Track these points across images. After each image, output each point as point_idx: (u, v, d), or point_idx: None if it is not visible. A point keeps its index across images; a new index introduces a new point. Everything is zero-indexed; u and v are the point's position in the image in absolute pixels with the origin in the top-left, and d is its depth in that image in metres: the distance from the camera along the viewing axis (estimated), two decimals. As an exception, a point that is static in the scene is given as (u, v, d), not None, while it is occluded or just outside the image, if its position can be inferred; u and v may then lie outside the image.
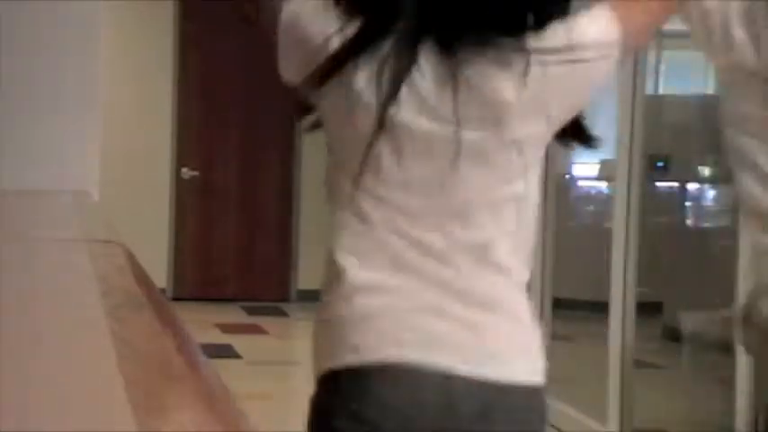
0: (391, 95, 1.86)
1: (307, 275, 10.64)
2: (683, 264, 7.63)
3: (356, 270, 1.92)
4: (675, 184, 8.25)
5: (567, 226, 8.58)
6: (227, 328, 9.10)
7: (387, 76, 1.87)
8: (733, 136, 2.49)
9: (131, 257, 2.51)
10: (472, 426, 1.87)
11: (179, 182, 10.40)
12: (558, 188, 6.75)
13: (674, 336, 6.98)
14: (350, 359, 1.88)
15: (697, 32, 2.46)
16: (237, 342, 8.52)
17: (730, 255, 5.05)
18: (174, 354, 1.46)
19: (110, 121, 8.14)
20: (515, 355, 1.92)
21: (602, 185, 9.33)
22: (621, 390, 5.54)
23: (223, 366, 7.28)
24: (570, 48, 1.90)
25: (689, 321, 6.84)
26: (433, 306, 1.88)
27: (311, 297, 10.74)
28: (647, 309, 6.46)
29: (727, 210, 7.16)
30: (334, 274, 1.95)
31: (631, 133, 5.53)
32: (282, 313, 9.99)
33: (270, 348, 8.66)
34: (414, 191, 1.90)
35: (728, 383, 5.00)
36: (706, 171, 8.26)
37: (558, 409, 6.15)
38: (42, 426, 1.05)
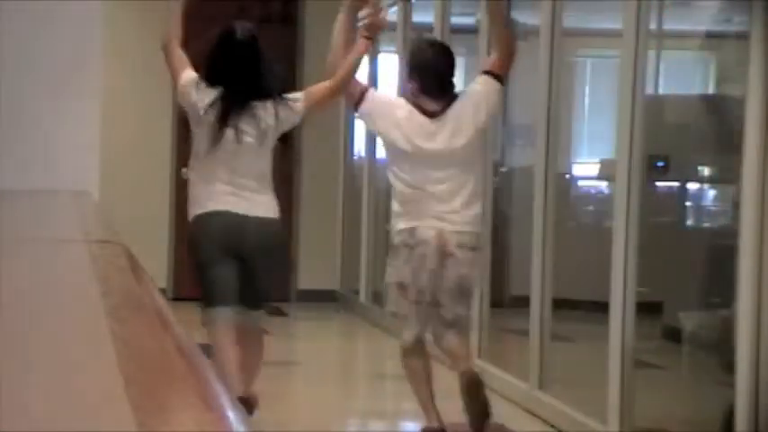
0: (223, 126, 5.30)
1: (307, 275, 10.64)
2: (683, 264, 7.63)
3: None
4: (675, 184, 8.25)
5: (567, 226, 8.57)
6: (227, 328, 9.09)
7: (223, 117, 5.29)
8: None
9: (131, 257, 2.51)
10: (244, 228, 5.28)
11: (179, 182, 10.39)
12: (558, 188, 6.75)
13: (674, 336, 6.98)
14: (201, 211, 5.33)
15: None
16: (237, 342, 8.51)
17: (730, 255, 5.05)
18: (174, 354, 1.46)
19: (110, 121, 8.14)
20: (265, 209, 5.33)
21: (603, 185, 9.32)
22: (621, 390, 5.54)
23: (223, 366, 7.25)
24: (294, 105, 5.38)
25: (689, 321, 6.84)
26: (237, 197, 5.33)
27: (311, 297, 10.73)
28: (647, 309, 6.45)
29: (727, 210, 7.15)
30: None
31: (631, 133, 5.53)
32: (282, 313, 9.98)
33: (270, 348, 8.65)
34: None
35: (728, 383, 5.00)
36: (706, 171, 8.26)
37: (558, 409, 6.15)
38: (42, 426, 1.05)
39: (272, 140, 5.40)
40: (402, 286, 5.38)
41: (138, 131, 10.34)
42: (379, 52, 9.93)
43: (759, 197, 4.85)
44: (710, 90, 9.46)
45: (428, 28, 8.40)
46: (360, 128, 10.41)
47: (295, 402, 7.06)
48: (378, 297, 9.59)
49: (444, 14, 8.19)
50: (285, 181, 10.68)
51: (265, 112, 5.33)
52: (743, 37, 5.13)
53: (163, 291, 9.69)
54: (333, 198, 10.77)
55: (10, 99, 5.39)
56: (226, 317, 5.28)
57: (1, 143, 5.34)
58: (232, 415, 1.13)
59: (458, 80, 5.66)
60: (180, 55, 5.43)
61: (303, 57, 10.70)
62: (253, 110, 5.31)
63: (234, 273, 5.29)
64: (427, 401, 5.62)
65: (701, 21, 8.79)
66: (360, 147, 10.54)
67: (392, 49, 9.31)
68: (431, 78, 5.37)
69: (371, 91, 5.62)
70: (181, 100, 5.48)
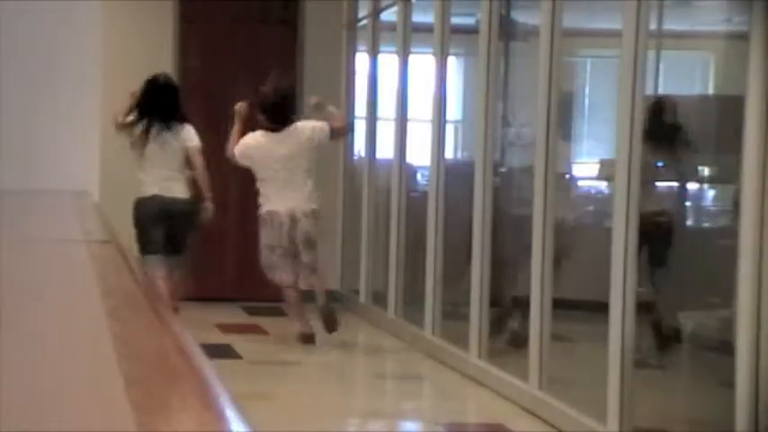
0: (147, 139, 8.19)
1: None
2: (682, 264, 7.62)
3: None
4: (675, 184, 8.24)
5: (567, 226, 8.56)
6: (227, 328, 9.09)
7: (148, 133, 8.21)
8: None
9: (131, 258, 2.51)
10: (171, 206, 8.16)
11: (179, 182, 10.37)
12: (557, 188, 6.74)
13: (674, 336, 6.97)
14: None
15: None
16: (237, 342, 8.52)
17: (730, 255, 5.05)
18: (173, 354, 1.46)
19: (110, 121, 8.14)
20: (181, 191, 8.18)
21: (603, 185, 9.31)
22: (621, 390, 5.54)
23: (223, 366, 7.28)
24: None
25: (689, 321, 6.84)
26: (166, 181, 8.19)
27: (311, 297, 10.68)
28: (649, 309, 6.45)
29: (727, 210, 7.15)
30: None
31: (631, 133, 5.53)
32: (282, 313, 9.98)
33: (270, 348, 8.65)
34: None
35: (728, 383, 5.00)
36: (706, 171, 8.26)
37: (559, 409, 6.15)
38: (43, 425, 1.05)
39: (181, 147, 8.25)
40: (270, 247, 8.42)
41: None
42: (378, 52, 9.94)
43: (759, 197, 4.85)
44: (711, 90, 9.46)
45: (428, 28, 8.41)
46: (359, 128, 10.41)
47: (295, 402, 7.05)
48: (378, 297, 9.59)
49: (444, 14, 8.19)
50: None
51: (177, 131, 8.21)
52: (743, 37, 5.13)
53: (163, 291, 9.67)
54: (333, 198, 10.77)
55: (10, 99, 5.39)
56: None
57: (1, 143, 5.34)
58: (232, 414, 1.13)
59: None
60: (124, 122, 8.19)
61: (303, 58, 10.70)
62: (171, 128, 8.19)
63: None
64: (300, 315, 8.49)
65: (702, 21, 8.79)
66: (360, 147, 10.54)
67: (392, 49, 9.31)
68: (271, 110, 8.51)
69: (239, 146, 8.62)
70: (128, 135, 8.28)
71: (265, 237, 8.46)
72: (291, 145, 8.43)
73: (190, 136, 8.24)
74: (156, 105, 8.14)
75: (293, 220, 8.37)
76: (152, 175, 8.16)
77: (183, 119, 8.27)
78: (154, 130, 8.13)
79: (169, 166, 8.14)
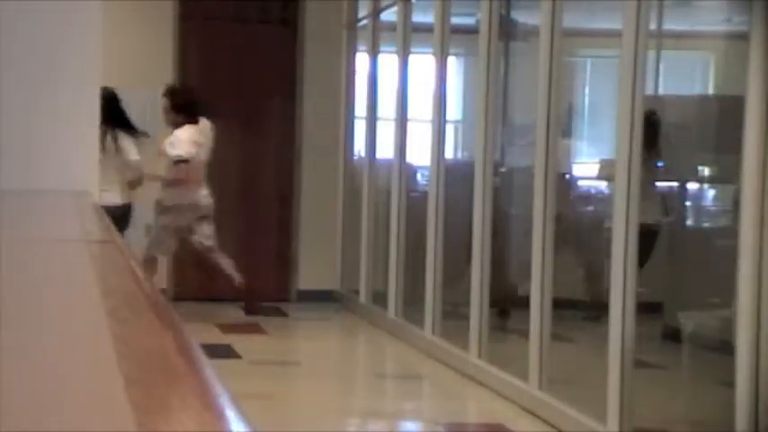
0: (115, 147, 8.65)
1: (307, 275, 10.64)
2: (682, 264, 7.62)
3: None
4: (675, 184, 8.25)
5: (567, 225, 8.57)
6: (227, 328, 9.09)
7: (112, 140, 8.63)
8: None
9: (131, 257, 2.51)
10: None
11: (179, 182, 10.37)
12: (557, 187, 6.74)
13: (674, 336, 6.98)
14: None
15: None
16: (237, 342, 8.52)
17: (730, 255, 5.05)
18: (174, 354, 1.46)
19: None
20: (116, 197, 8.37)
21: (603, 185, 9.32)
22: (621, 390, 5.54)
23: (223, 366, 7.28)
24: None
25: (689, 321, 6.84)
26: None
27: (311, 297, 10.72)
28: (647, 309, 6.45)
29: (728, 210, 7.15)
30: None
31: (631, 133, 5.53)
32: (282, 313, 9.99)
33: (270, 348, 8.66)
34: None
35: (728, 383, 5.00)
36: (706, 171, 8.26)
37: (559, 409, 6.15)
38: (42, 425, 1.05)
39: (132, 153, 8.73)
40: (168, 228, 9.27)
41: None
42: (378, 52, 9.94)
43: (759, 197, 4.86)
44: (711, 90, 9.46)
45: (428, 28, 8.41)
46: (360, 128, 10.41)
47: (295, 402, 7.06)
48: (378, 297, 9.59)
49: (444, 14, 8.19)
50: (285, 180, 10.69)
51: (124, 139, 8.64)
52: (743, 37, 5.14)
53: (163, 291, 9.68)
54: (333, 198, 10.77)
55: (10, 99, 5.38)
56: None
57: (1, 143, 5.33)
58: (232, 414, 1.13)
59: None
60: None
61: (303, 58, 10.70)
62: (119, 135, 8.62)
63: None
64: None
65: (702, 21, 8.79)
66: (360, 147, 10.54)
67: (392, 49, 9.31)
68: (188, 106, 9.28)
69: (182, 141, 9.21)
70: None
71: (165, 220, 9.32)
72: (204, 137, 9.34)
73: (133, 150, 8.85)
74: (118, 116, 8.69)
75: (196, 208, 9.32)
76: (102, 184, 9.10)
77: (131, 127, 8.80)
78: (114, 139, 8.67)
79: (113, 173, 8.61)
